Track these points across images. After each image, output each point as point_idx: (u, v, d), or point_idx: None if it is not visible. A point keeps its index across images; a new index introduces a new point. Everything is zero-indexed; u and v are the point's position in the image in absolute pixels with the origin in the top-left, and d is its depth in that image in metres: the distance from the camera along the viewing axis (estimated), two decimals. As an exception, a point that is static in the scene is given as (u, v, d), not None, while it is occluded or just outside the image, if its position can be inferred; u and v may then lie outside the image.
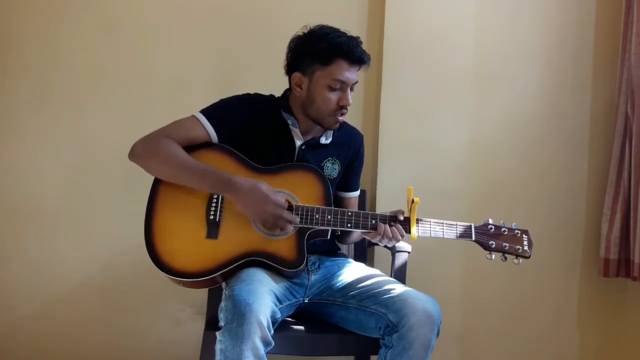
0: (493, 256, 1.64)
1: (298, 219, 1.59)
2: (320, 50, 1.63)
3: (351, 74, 1.66)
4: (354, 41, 1.66)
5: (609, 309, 2.39)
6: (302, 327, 1.66)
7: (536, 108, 2.36)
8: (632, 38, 2.19)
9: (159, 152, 1.61)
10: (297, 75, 1.69)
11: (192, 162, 1.60)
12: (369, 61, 1.70)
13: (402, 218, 1.62)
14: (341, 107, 1.67)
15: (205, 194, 1.62)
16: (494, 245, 1.63)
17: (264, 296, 1.45)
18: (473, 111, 2.33)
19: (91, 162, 2.25)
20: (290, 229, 1.59)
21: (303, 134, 1.75)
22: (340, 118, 1.70)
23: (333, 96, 1.66)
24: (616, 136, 2.25)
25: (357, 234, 1.80)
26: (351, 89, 1.68)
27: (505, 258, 1.65)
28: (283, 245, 1.58)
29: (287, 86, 1.78)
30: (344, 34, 1.67)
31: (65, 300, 2.24)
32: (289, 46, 1.73)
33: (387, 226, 1.60)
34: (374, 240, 1.65)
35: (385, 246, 1.69)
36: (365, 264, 1.87)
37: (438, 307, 1.55)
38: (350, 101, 1.67)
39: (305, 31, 1.69)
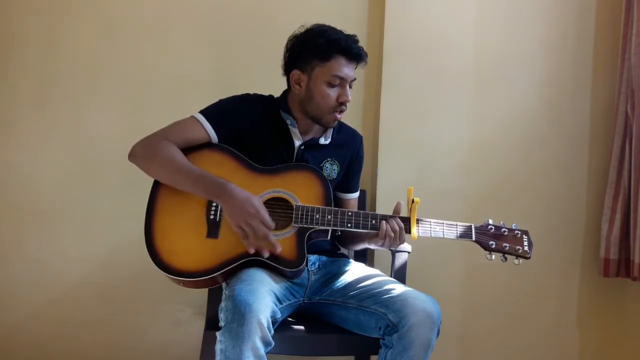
0: (493, 256, 1.64)
1: (279, 249, 1.55)
2: (319, 47, 1.65)
3: (350, 70, 1.67)
4: (352, 38, 1.68)
5: (609, 309, 2.38)
6: (302, 327, 1.67)
7: (536, 108, 2.36)
8: (632, 38, 2.19)
9: (157, 155, 1.61)
10: (296, 72, 1.70)
11: (189, 167, 1.60)
12: (367, 58, 1.71)
13: (400, 211, 1.63)
14: (340, 104, 1.68)
15: (205, 194, 1.62)
16: (494, 246, 1.63)
17: (264, 296, 1.44)
18: (473, 111, 2.33)
19: (92, 162, 2.25)
20: (265, 254, 1.55)
21: (302, 134, 1.75)
22: (339, 115, 1.70)
23: (332, 92, 1.66)
24: (616, 136, 2.25)
25: (359, 240, 1.78)
26: (350, 86, 1.69)
27: (506, 258, 1.65)
28: (283, 245, 1.58)
29: (286, 86, 1.79)
30: (341, 32, 1.69)
31: (65, 299, 2.24)
32: (287, 46, 1.74)
33: (388, 225, 1.60)
34: (377, 246, 1.65)
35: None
36: (365, 264, 1.87)
37: (438, 307, 1.54)
38: (350, 98, 1.68)
39: (302, 30, 1.71)
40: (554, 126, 2.36)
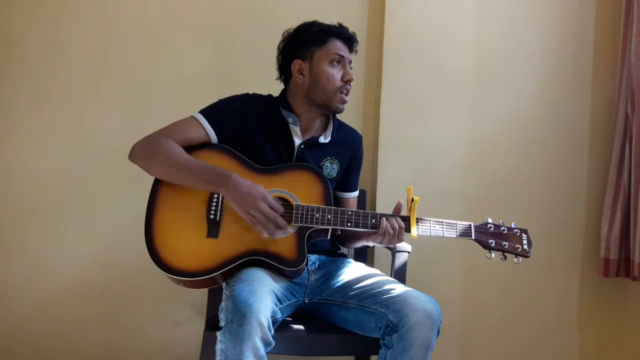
0: (492, 255, 1.64)
1: (290, 229, 1.57)
2: (314, 34, 1.72)
3: (346, 52, 1.74)
4: (341, 25, 1.76)
5: (609, 309, 2.39)
6: (302, 327, 1.66)
7: (536, 108, 2.36)
8: (632, 38, 2.19)
9: (158, 153, 1.62)
10: (297, 62, 1.73)
11: (191, 160, 1.61)
12: (357, 45, 1.79)
13: (400, 210, 1.63)
14: (345, 83, 1.71)
15: (205, 194, 1.62)
16: (493, 244, 1.64)
17: (264, 296, 1.44)
18: (473, 111, 2.33)
19: (92, 162, 2.25)
20: (278, 234, 1.56)
21: (303, 132, 1.76)
22: (346, 97, 1.73)
23: (336, 72, 1.71)
24: (616, 136, 2.25)
25: (358, 238, 1.78)
26: (350, 67, 1.75)
27: (505, 257, 1.65)
28: (283, 244, 1.58)
29: (284, 86, 1.81)
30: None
31: (65, 299, 2.24)
32: (279, 47, 1.79)
33: (388, 223, 1.60)
34: (375, 242, 1.65)
35: (387, 247, 1.69)
36: (365, 264, 1.87)
37: (438, 307, 1.54)
38: (353, 76, 1.73)
39: (292, 30, 1.78)
40: (554, 126, 2.36)
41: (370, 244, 1.71)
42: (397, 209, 1.64)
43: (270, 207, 1.55)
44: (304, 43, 1.73)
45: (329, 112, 1.76)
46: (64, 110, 2.24)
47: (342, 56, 1.72)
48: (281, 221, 1.56)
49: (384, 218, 1.61)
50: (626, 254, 2.22)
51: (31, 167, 2.23)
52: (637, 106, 2.17)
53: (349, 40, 1.75)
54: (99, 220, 2.25)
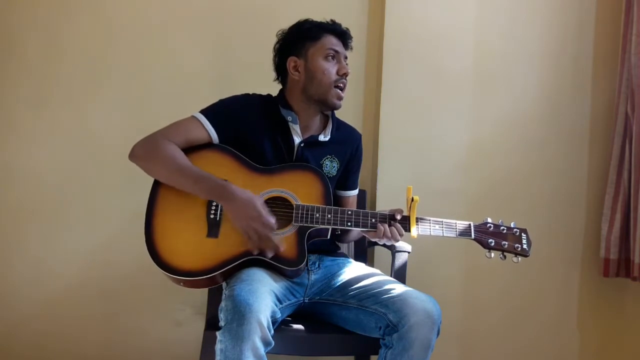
0: (492, 254, 1.64)
1: (282, 248, 1.57)
2: (308, 30, 1.74)
3: (341, 47, 1.75)
4: (333, 21, 1.77)
5: (609, 309, 2.39)
6: (302, 327, 1.66)
7: (536, 108, 2.36)
8: (632, 38, 2.20)
9: (158, 155, 1.62)
10: (292, 59, 1.74)
11: (189, 167, 1.61)
12: (352, 42, 1.79)
13: (399, 217, 1.63)
14: (341, 77, 1.72)
15: (205, 194, 1.62)
16: (493, 244, 1.63)
17: (264, 296, 1.44)
18: (473, 111, 2.33)
19: (92, 161, 2.25)
20: (269, 254, 1.56)
21: (302, 130, 1.76)
22: (342, 93, 1.73)
23: (331, 67, 1.72)
24: (616, 136, 2.25)
25: (356, 232, 1.82)
26: (345, 63, 1.75)
27: (505, 256, 1.65)
28: (283, 244, 1.58)
29: (282, 86, 1.81)
30: None
31: (65, 299, 2.24)
32: (274, 48, 1.80)
33: (387, 226, 1.61)
34: (373, 239, 1.65)
35: (385, 245, 1.69)
36: (365, 264, 1.87)
37: (438, 307, 1.54)
38: (349, 70, 1.73)
39: (285, 30, 1.79)
40: (554, 126, 2.36)
41: (368, 237, 1.72)
42: (397, 211, 1.64)
43: (264, 224, 1.54)
44: (297, 40, 1.74)
45: (326, 108, 1.76)
46: (64, 110, 2.24)
47: (336, 51, 1.72)
48: (274, 240, 1.55)
49: (380, 224, 1.61)
50: (626, 254, 2.22)
51: (31, 167, 2.24)
52: (637, 106, 2.17)
53: (343, 35, 1.76)
54: (99, 220, 2.25)
